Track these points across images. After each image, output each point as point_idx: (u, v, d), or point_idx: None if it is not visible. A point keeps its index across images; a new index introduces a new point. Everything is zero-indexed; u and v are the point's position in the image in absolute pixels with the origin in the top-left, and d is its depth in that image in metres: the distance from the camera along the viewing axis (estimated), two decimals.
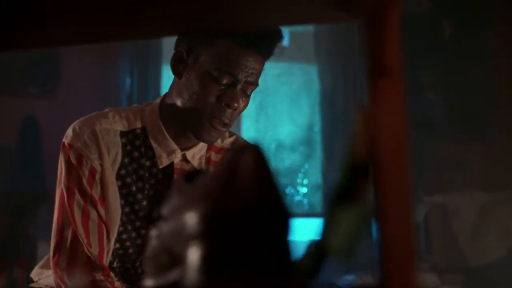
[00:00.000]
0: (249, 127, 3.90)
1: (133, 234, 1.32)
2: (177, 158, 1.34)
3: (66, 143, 1.28)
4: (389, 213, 0.48)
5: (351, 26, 3.99)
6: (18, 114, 3.36)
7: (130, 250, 1.31)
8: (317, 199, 3.90)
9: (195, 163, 1.35)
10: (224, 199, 0.57)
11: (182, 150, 1.35)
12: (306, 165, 3.94)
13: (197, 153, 1.37)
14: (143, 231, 1.33)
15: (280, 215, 0.57)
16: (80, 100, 3.35)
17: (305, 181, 3.90)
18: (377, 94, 0.50)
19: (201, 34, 1.20)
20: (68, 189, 1.27)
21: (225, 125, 1.30)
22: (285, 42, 4.12)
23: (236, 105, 1.28)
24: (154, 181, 1.32)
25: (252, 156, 0.58)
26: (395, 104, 0.50)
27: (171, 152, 1.34)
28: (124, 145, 1.32)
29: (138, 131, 1.33)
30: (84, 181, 1.26)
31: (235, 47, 1.26)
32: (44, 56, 3.52)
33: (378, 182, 0.48)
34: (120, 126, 1.32)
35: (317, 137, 3.95)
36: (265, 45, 1.29)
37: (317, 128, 3.97)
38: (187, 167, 1.34)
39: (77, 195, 1.26)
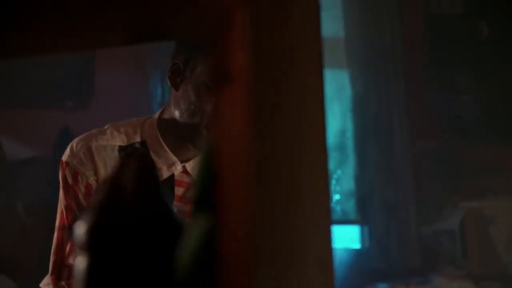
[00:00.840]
0: None
1: None
2: (177, 170, 1.36)
3: (63, 161, 1.32)
4: (228, 225, 0.46)
5: (383, 30, 3.96)
6: (54, 126, 3.44)
7: None
8: (350, 206, 3.87)
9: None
10: (105, 208, 0.57)
11: (182, 161, 1.36)
12: (339, 172, 3.91)
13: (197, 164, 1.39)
14: None
15: (163, 227, 0.56)
16: (114, 111, 3.41)
17: (338, 188, 3.88)
18: (221, 102, 0.49)
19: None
20: (67, 206, 1.31)
21: None
22: None
23: None
24: None
25: (136, 165, 0.58)
26: (238, 113, 0.48)
27: (171, 164, 1.35)
28: (122, 159, 1.34)
29: (137, 145, 1.35)
30: (81, 196, 1.29)
31: None
32: (78, 69, 3.60)
33: (218, 194, 0.47)
34: (119, 141, 1.34)
35: (350, 143, 3.92)
36: None
37: (349, 134, 3.95)
38: (187, 179, 1.34)
39: (75, 210, 1.29)
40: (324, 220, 0.62)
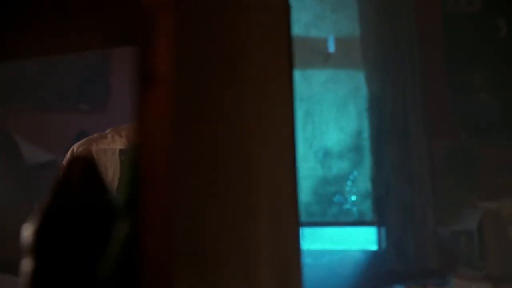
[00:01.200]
0: (296, 135, 3.88)
1: None
2: None
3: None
4: (149, 228, 0.46)
5: (399, 30, 3.93)
6: (70, 130, 3.47)
7: None
8: (367, 207, 3.85)
9: None
10: (51, 210, 0.57)
11: None
12: (355, 173, 3.89)
13: None
14: None
15: (107, 228, 0.56)
16: (130, 115, 3.43)
17: (354, 189, 3.86)
18: (144, 104, 0.49)
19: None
20: None
21: None
22: (331, 48, 4.09)
23: None
24: None
25: (79, 168, 0.59)
26: (161, 115, 0.48)
27: None
28: (123, 162, 1.35)
29: None
30: None
31: None
32: (94, 73, 3.63)
33: (141, 196, 0.47)
34: (120, 145, 1.36)
35: (366, 144, 3.90)
36: None
37: (365, 135, 3.93)
38: None
39: None
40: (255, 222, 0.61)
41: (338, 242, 3.87)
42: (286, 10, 0.68)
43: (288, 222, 0.63)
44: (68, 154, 1.35)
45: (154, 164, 0.46)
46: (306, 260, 3.75)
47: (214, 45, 0.55)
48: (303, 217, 3.81)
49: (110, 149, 1.36)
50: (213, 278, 0.52)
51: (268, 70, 0.64)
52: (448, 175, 3.71)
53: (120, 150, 1.37)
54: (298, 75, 4.00)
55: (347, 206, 3.84)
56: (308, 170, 3.85)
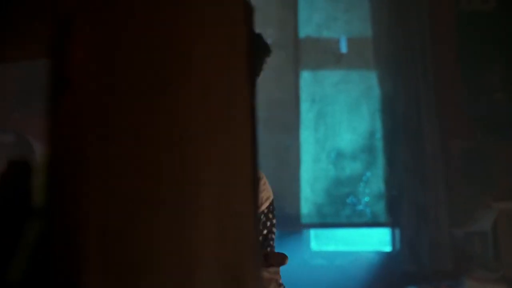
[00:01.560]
0: (307, 136, 3.87)
1: None
2: None
3: None
4: (61, 229, 0.46)
5: (411, 29, 3.90)
6: None
7: None
8: (380, 208, 3.82)
9: None
10: None
11: None
12: (368, 173, 3.87)
13: None
14: None
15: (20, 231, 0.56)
16: None
17: (367, 190, 3.84)
18: (57, 108, 0.48)
19: None
20: None
21: None
22: (343, 49, 4.07)
23: None
24: None
25: (8, 165, 0.58)
26: (74, 117, 0.48)
27: None
28: None
29: None
30: None
31: None
32: None
33: (53, 199, 0.46)
34: None
35: (379, 144, 3.88)
36: None
37: (378, 135, 3.90)
38: None
39: None
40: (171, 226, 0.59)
41: (351, 244, 3.85)
42: (241, 8, 0.65)
43: (241, 222, 0.60)
44: None
45: (66, 166, 0.46)
46: (320, 262, 3.73)
47: (136, 51, 0.54)
48: (316, 219, 3.79)
49: None
50: (133, 278, 0.51)
51: (213, 76, 0.62)
52: (462, 176, 3.68)
53: None
54: (310, 76, 3.99)
55: (360, 207, 3.82)
56: (321, 171, 3.84)
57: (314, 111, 3.92)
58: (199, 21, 0.60)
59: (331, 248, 3.85)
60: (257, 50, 1.33)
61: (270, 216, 1.45)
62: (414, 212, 3.62)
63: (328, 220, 3.77)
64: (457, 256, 3.50)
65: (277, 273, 1.23)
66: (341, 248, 3.83)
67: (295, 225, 3.71)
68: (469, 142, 3.77)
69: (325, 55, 4.00)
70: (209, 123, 0.59)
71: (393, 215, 3.69)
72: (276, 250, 3.82)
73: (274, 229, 1.46)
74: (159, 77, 0.55)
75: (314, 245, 3.84)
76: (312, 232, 3.85)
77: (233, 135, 0.61)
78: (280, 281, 1.24)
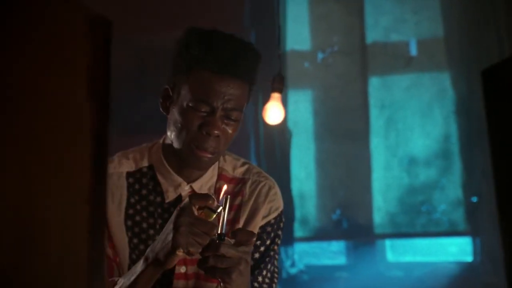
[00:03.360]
0: (378, 144, 3.75)
1: None
2: (184, 190, 1.35)
3: None
4: None
5: (485, 27, 3.70)
6: None
7: None
8: (458, 216, 3.63)
9: None
10: None
11: (189, 182, 1.36)
12: (444, 180, 3.69)
13: (205, 184, 1.38)
14: None
15: None
16: None
17: (443, 197, 3.66)
18: None
19: None
20: None
21: (212, 153, 1.27)
22: (413, 51, 3.93)
23: (216, 132, 1.26)
24: (167, 215, 1.34)
25: None
26: None
27: (177, 186, 1.35)
28: (131, 185, 1.36)
29: (145, 169, 1.38)
30: None
31: (209, 74, 1.25)
32: None
33: None
34: (127, 167, 1.37)
35: (454, 149, 3.69)
36: (239, 68, 1.26)
37: (453, 139, 3.72)
38: None
39: None
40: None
41: (429, 254, 3.68)
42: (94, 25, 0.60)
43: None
44: None
45: None
46: (396, 273, 3.59)
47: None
48: (389, 228, 3.66)
49: (116, 173, 1.37)
50: None
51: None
52: None
53: (127, 172, 1.37)
54: (378, 82, 3.88)
55: (437, 215, 3.64)
56: (393, 179, 3.70)
57: (384, 117, 3.80)
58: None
59: (407, 259, 3.70)
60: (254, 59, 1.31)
61: (276, 227, 1.42)
62: (495, 220, 3.40)
63: (403, 230, 3.63)
64: None
65: (247, 253, 1.18)
66: (419, 259, 3.67)
67: (367, 236, 3.60)
68: None
69: (394, 59, 3.87)
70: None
71: (473, 223, 3.48)
72: (350, 261, 3.72)
73: (279, 241, 1.43)
74: None
75: (390, 256, 3.71)
76: (388, 242, 3.72)
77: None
78: (249, 260, 1.20)
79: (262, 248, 1.38)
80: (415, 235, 3.61)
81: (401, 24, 3.96)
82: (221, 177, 1.41)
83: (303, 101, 3.87)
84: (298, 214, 3.65)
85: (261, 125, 3.62)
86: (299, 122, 3.81)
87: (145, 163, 1.38)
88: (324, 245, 3.81)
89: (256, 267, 1.37)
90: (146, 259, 1.19)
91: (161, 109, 1.36)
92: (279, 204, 1.42)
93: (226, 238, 1.16)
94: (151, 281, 1.20)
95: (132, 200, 1.36)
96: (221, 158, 1.43)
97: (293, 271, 3.53)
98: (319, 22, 3.95)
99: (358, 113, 3.78)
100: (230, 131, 1.30)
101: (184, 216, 1.14)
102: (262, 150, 3.61)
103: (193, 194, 1.21)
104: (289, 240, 3.52)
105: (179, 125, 1.29)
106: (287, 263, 3.50)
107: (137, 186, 1.37)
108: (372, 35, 3.93)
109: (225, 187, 1.24)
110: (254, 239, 1.20)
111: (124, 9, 3.63)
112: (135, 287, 1.20)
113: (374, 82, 3.86)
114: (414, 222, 3.63)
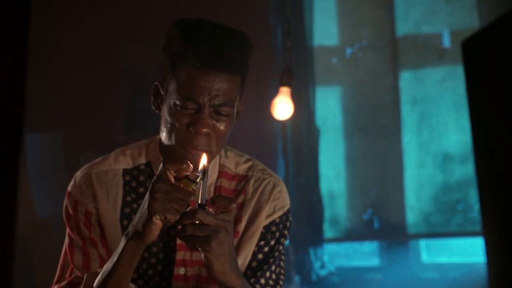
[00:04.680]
0: (410, 141, 3.63)
1: (150, 272, 1.28)
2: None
3: (67, 191, 1.31)
4: None
5: None
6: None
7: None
8: None
9: None
10: None
11: None
12: None
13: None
14: (159, 267, 1.27)
15: None
16: (242, 139, 3.40)
17: None
18: None
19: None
20: (68, 235, 1.29)
21: (204, 151, 1.20)
22: (446, 43, 3.78)
23: (204, 130, 1.19)
24: None
25: None
26: None
27: None
28: (127, 183, 1.31)
29: (142, 166, 1.32)
30: (82, 225, 1.27)
31: (192, 70, 1.19)
32: None
33: None
34: (124, 164, 1.32)
35: None
36: (224, 60, 1.18)
37: None
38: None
39: (77, 239, 1.27)
40: None
41: (465, 254, 3.53)
42: None
43: None
44: (72, 181, 1.33)
45: None
46: (431, 274, 3.46)
47: None
48: (423, 228, 3.53)
49: (111, 170, 1.32)
50: None
51: None
52: None
53: (124, 170, 1.32)
54: (409, 76, 3.76)
55: (473, 214, 3.48)
56: (427, 177, 3.58)
57: (416, 113, 3.67)
58: None
59: (443, 260, 3.57)
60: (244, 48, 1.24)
61: (281, 226, 1.35)
62: None
63: (437, 230, 3.50)
64: None
65: (227, 221, 1.11)
66: (455, 259, 3.53)
67: (400, 236, 3.49)
68: None
69: (425, 52, 3.75)
70: None
71: None
72: (383, 263, 3.59)
73: (284, 241, 1.35)
74: None
75: (425, 257, 3.58)
76: (422, 243, 3.59)
77: None
78: (230, 229, 1.13)
79: (266, 249, 1.30)
80: (451, 235, 3.48)
81: (432, 15, 3.82)
82: (222, 175, 1.34)
83: (331, 98, 3.78)
84: (327, 214, 3.56)
85: (288, 123, 3.54)
86: (328, 120, 3.72)
87: (142, 160, 1.33)
88: (356, 246, 3.71)
89: (259, 268, 1.29)
90: (126, 235, 1.14)
91: (152, 107, 1.31)
92: (285, 202, 1.35)
93: (207, 208, 1.10)
94: (135, 258, 1.14)
95: (129, 198, 1.31)
96: (223, 154, 1.37)
97: (323, 273, 3.44)
98: (347, 16, 3.86)
99: (389, 109, 3.68)
100: (222, 127, 1.24)
101: (160, 183, 1.09)
102: (289, 149, 3.53)
103: (168, 159, 1.14)
104: (318, 241, 3.44)
105: (169, 124, 1.23)
106: (317, 265, 3.41)
107: (133, 184, 1.32)
108: (403, 28, 3.82)
109: (204, 159, 1.17)
110: (234, 206, 1.12)
111: (149, 10, 3.61)
112: (118, 267, 1.14)
113: (406, 77, 3.75)
114: (450, 221, 3.49)
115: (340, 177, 3.67)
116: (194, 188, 1.10)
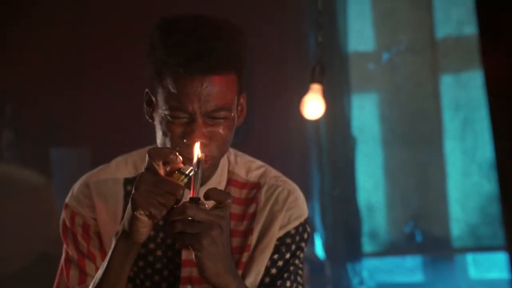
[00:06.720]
0: (453, 148, 3.47)
1: None
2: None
3: (65, 203, 1.25)
4: None
5: None
6: None
7: None
8: None
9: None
10: None
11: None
12: None
13: None
14: (163, 286, 1.20)
15: None
16: (271, 146, 3.30)
17: None
18: None
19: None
20: (65, 250, 1.22)
21: (205, 161, 1.11)
22: None
23: (197, 140, 1.09)
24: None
25: None
26: None
27: None
28: (129, 193, 1.22)
29: None
30: (79, 237, 1.21)
31: (177, 77, 1.09)
32: None
33: None
34: (125, 173, 1.25)
35: None
36: (209, 62, 1.08)
37: None
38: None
39: (73, 254, 1.20)
40: None
41: None
42: None
43: None
44: (70, 192, 1.27)
45: None
46: None
47: None
48: (470, 241, 3.35)
49: (111, 179, 1.25)
50: None
51: None
52: None
53: (125, 179, 1.24)
54: (451, 81, 3.60)
55: None
56: (472, 186, 3.39)
57: (459, 119, 3.50)
58: None
59: (492, 275, 3.38)
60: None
61: (297, 238, 1.24)
62: None
63: (485, 243, 3.32)
64: None
65: (221, 217, 1.01)
66: (505, 275, 3.33)
67: (445, 249, 3.32)
68: None
69: (468, 55, 3.57)
70: None
71: None
72: (428, 279, 3.42)
73: (301, 254, 1.24)
74: None
75: (473, 273, 3.40)
76: (470, 257, 3.41)
77: None
78: (225, 226, 1.01)
79: (280, 263, 1.21)
80: (500, 248, 3.27)
81: (475, 15, 3.64)
82: (231, 183, 1.25)
83: (368, 106, 3.65)
84: (366, 227, 3.42)
85: (323, 132, 3.42)
86: (365, 128, 3.59)
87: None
88: (398, 260, 3.54)
89: (272, 284, 1.20)
90: (116, 235, 1.07)
91: (146, 116, 1.23)
92: (301, 211, 1.25)
93: (201, 203, 1.02)
94: (127, 260, 1.05)
95: None
96: (232, 161, 1.28)
97: None
98: (383, 19, 3.73)
99: (430, 116, 3.52)
100: (221, 132, 1.15)
101: (146, 176, 1.00)
102: (325, 159, 3.41)
103: (152, 149, 1.06)
104: (357, 255, 3.30)
105: (163, 136, 1.16)
106: (355, 281, 3.27)
107: None
108: (443, 30, 3.66)
109: (197, 147, 1.06)
110: (230, 200, 1.03)
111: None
112: (109, 271, 1.06)
113: (447, 81, 3.59)
114: (498, 234, 3.30)
115: (379, 188, 3.54)
116: (186, 181, 1.01)
